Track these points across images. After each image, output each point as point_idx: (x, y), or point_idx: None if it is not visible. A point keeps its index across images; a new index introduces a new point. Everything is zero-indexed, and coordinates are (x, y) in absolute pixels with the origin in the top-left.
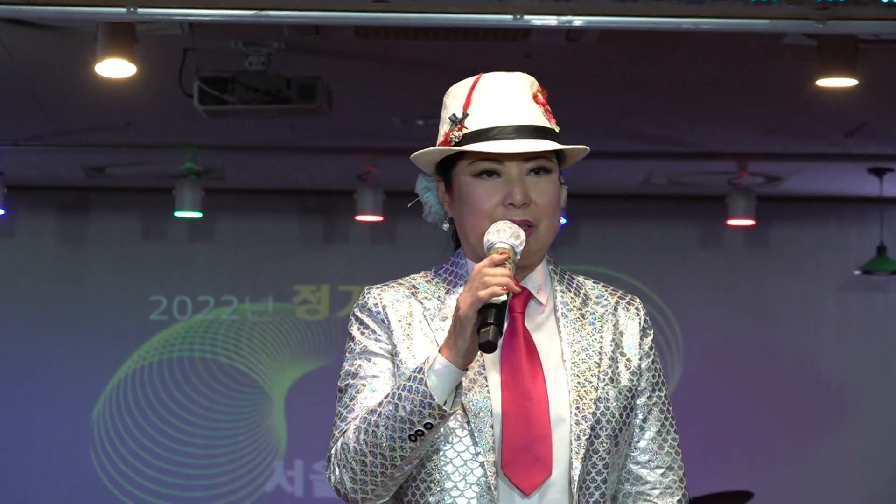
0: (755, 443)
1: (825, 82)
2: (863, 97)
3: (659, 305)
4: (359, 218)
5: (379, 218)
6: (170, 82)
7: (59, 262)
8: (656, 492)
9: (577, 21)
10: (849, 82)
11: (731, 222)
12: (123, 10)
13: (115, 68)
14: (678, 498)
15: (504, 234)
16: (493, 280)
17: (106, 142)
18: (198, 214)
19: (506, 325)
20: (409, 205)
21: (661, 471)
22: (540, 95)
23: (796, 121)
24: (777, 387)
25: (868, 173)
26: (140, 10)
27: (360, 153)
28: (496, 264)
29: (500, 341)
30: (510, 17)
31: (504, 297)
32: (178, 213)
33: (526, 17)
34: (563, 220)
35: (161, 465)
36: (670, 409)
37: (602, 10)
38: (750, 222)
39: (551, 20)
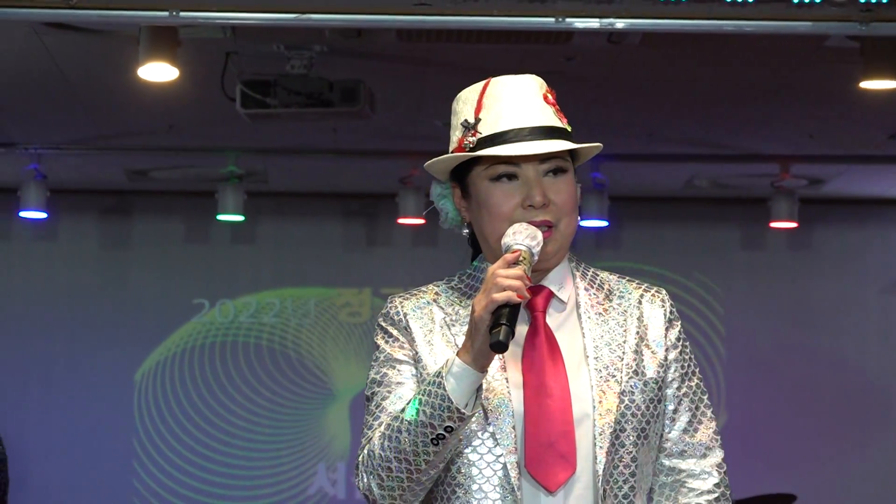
0: (798, 445)
1: (868, 84)
2: None
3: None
4: (401, 221)
5: (421, 221)
6: (212, 86)
7: (101, 265)
8: (691, 479)
9: (620, 24)
10: (892, 84)
11: (774, 225)
12: (166, 13)
13: (158, 72)
14: (716, 482)
15: (520, 236)
16: (506, 282)
17: (148, 145)
18: (240, 218)
19: (527, 327)
20: (424, 212)
21: (695, 459)
22: (550, 96)
23: (839, 123)
24: (820, 390)
25: None
26: (182, 14)
27: (402, 156)
28: (509, 264)
29: (523, 339)
30: (552, 19)
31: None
32: (220, 217)
33: (568, 19)
34: (579, 219)
35: (204, 464)
36: (703, 397)
37: (644, 13)
38: (792, 225)
39: (593, 23)
